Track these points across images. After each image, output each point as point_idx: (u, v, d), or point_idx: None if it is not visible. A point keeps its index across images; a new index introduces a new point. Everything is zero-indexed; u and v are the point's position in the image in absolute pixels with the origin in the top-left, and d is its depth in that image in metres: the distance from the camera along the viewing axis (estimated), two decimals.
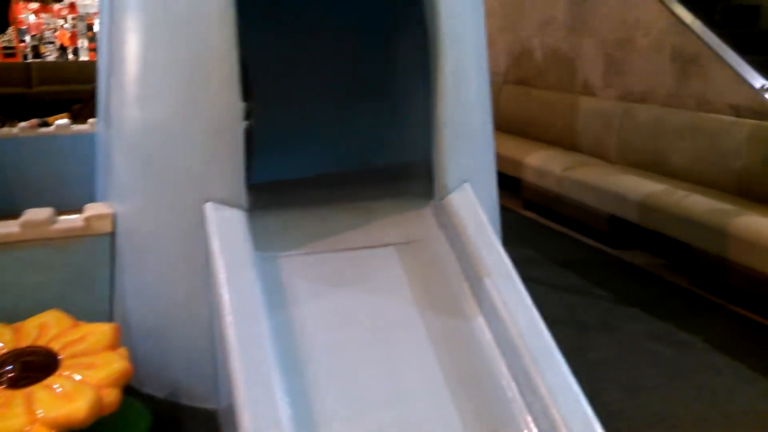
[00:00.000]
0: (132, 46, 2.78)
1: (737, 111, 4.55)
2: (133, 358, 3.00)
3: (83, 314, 2.89)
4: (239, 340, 2.22)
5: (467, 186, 2.96)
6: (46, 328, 2.67)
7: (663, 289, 4.13)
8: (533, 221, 5.66)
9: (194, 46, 2.60)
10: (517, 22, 7.18)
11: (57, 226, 2.98)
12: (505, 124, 7.17)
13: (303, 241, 2.83)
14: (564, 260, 4.65)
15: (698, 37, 4.86)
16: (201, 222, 2.65)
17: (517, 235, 5.29)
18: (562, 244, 5.03)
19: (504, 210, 6.00)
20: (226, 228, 2.59)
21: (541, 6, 6.71)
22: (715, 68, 4.73)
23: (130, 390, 2.95)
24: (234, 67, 2.59)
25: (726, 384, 3.02)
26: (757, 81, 4.47)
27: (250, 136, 3.71)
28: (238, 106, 2.61)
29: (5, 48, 15.09)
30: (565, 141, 6.10)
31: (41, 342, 2.62)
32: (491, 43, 7.84)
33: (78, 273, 3.05)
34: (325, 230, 2.90)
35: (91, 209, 3.04)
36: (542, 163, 5.66)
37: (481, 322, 2.57)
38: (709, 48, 4.78)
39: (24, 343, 2.62)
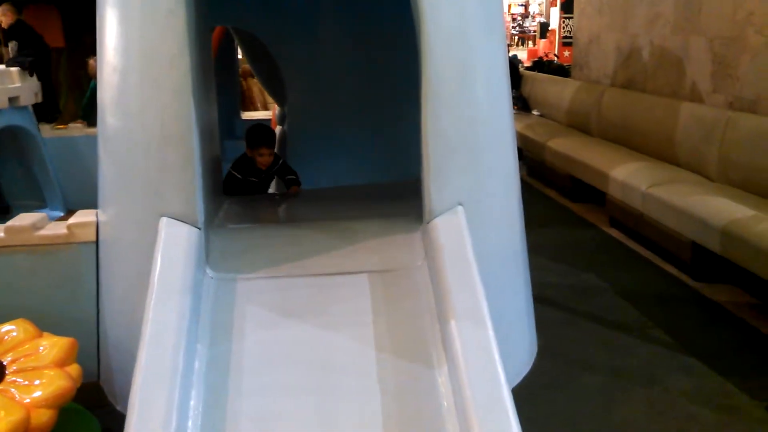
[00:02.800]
0: (108, 46, 2.66)
1: None
2: (110, 373, 2.92)
3: (68, 323, 2.84)
4: (144, 375, 2.03)
5: (459, 209, 2.57)
6: (6, 338, 2.62)
7: (739, 336, 3.50)
8: (614, 241, 5.07)
9: (147, 47, 2.43)
10: (626, 20, 6.51)
11: (41, 232, 2.94)
12: (605, 131, 6.55)
13: (267, 263, 2.58)
14: (632, 291, 4.08)
15: None
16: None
17: (589, 256, 4.77)
18: (636, 272, 4.44)
19: (587, 227, 5.50)
20: (172, 246, 2.40)
21: (648, 2, 6.02)
22: None
23: (103, 405, 2.88)
24: (186, 73, 2.39)
25: None
26: None
27: (284, 141, 3.54)
28: (189, 114, 2.41)
29: None
30: (663, 152, 5.42)
31: None
32: (599, 43, 7.22)
33: (63, 281, 3.00)
34: (297, 252, 2.64)
35: (78, 217, 2.97)
36: (628, 176, 5.05)
37: (444, 372, 2.21)
38: None
39: None
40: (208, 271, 2.50)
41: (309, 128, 3.39)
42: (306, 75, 3.96)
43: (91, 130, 5.77)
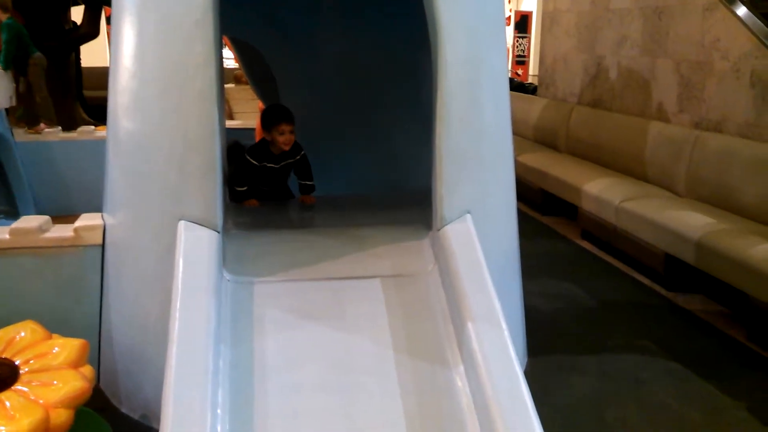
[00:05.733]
0: (125, 53, 2.70)
1: None
2: (114, 374, 2.94)
3: (72, 325, 2.84)
4: (177, 374, 2.06)
5: (468, 217, 2.69)
6: (17, 340, 2.61)
7: (714, 342, 3.69)
8: (587, 253, 5.26)
9: (172, 55, 2.49)
10: (594, 41, 6.78)
11: (47, 235, 2.94)
12: (573, 148, 6.79)
13: (282, 267, 2.65)
14: (609, 300, 4.26)
15: None
16: (175, 241, 2.52)
17: (566, 267, 4.94)
18: (612, 282, 4.62)
19: (559, 239, 5.69)
20: (194, 249, 2.45)
21: (617, 24, 6.29)
22: None
23: (108, 407, 2.89)
24: (212, 80, 2.44)
25: None
26: None
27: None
28: (214, 121, 2.46)
29: None
30: (633, 169, 5.65)
31: (8, 354, 2.55)
32: (566, 63, 7.48)
33: (68, 283, 3.01)
34: (310, 257, 2.71)
35: (84, 220, 2.98)
36: (601, 191, 5.25)
37: (461, 371, 2.31)
38: None
39: None
40: (225, 274, 2.55)
41: (302, 137, 3.44)
42: (301, 84, 4.04)
43: (66, 135, 5.71)
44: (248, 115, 8.76)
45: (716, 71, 4.95)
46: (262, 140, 3.37)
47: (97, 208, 3.06)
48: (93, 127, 5.80)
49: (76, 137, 5.36)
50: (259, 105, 5.75)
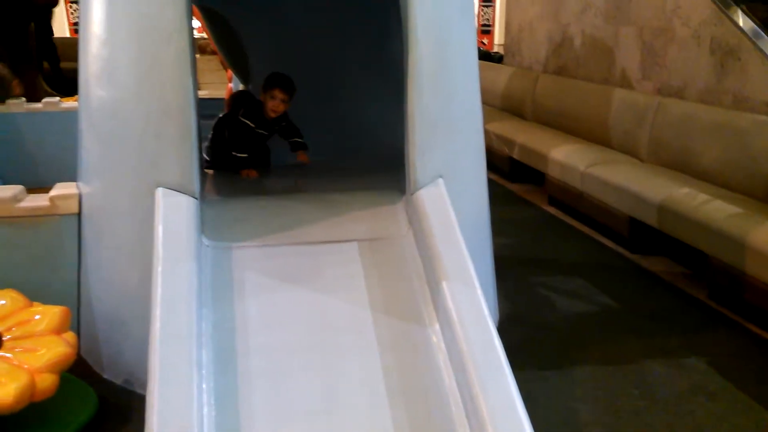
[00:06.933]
0: (95, 20, 2.70)
1: None
2: (95, 341, 2.97)
3: (49, 294, 2.85)
4: (161, 336, 2.11)
5: (440, 182, 2.77)
6: None
7: (676, 301, 3.84)
8: (554, 218, 5.39)
9: (146, 20, 2.50)
10: (558, 9, 6.86)
11: (23, 204, 2.94)
12: (539, 115, 6.90)
13: (260, 233, 2.70)
14: (575, 262, 4.40)
15: (739, 28, 4.49)
16: (153, 207, 2.56)
17: (533, 231, 5.08)
18: (578, 245, 4.76)
19: (526, 205, 5.82)
20: (173, 216, 2.49)
21: None
22: (755, 63, 4.36)
23: (90, 374, 2.93)
24: (186, 46, 2.47)
25: (715, 413, 2.75)
26: None
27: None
28: (189, 87, 2.49)
29: (75, 23, 15.43)
30: (597, 135, 5.78)
31: None
32: (531, 31, 7.56)
33: (45, 253, 3.02)
34: (286, 222, 2.77)
35: (59, 189, 2.99)
36: (567, 157, 5.38)
37: (436, 329, 2.40)
38: (751, 41, 4.41)
39: None
40: (204, 240, 2.59)
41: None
42: (270, 52, 4.04)
43: (31, 106, 5.62)
44: (215, 86, 8.67)
45: (677, 38, 5.07)
46: (258, 103, 3.36)
47: (63, 180, 3.06)
48: (58, 98, 5.71)
49: (41, 108, 5.28)
50: (228, 75, 5.73)
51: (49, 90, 8.55)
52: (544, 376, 2.98)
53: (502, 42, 9.57)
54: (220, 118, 3.67)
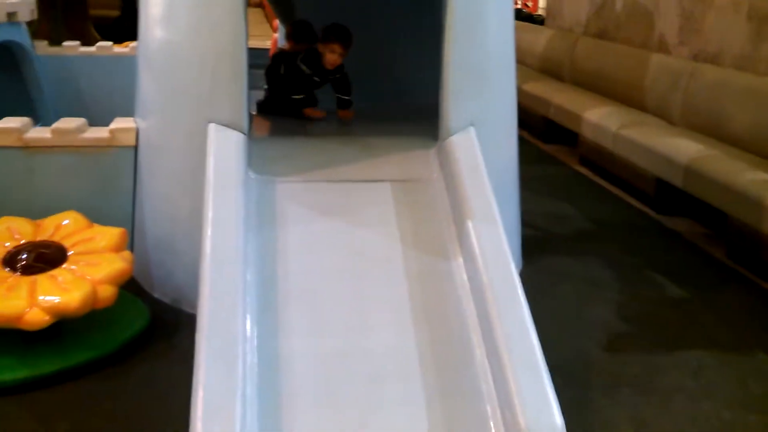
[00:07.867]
0: None
1: None
2: (146, 263, 3.24)
3: (107, 218, 3.10)
4: (212, 253, 2.34)
5: (471, 129, 2.94)
6: (62, 226, 2.92)
7: (695, 258, 3.99)
8: (585, 178, 5.53)
9: None
10: None
11: (85, 135, 3.20)
12: (577, 77, 6.96)
13: (301, 169, 2.91)
14: (600, 219, 4.55)
15: None
16: (205, 141, 2.78)
17: (563, 189, 5.22)
18: (604, 204, 4.91)
19: (559, 164, 5.96)
20: (223, 149, 2.71)
21: None
22: None
23: (140, 293, 3.21)
24: None
25: (722, 360, 2.92)
26: None
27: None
28: (242, 31, 2.69)
29: None
30: (632, 98, 5.86)
31: (56, 238, 2.87)
32: None
33: (103, 181, 3.28)
34: (326, 161, 2.97)
35: (118, 123, 3.24)
36: (600, 119, 5.48)
37: (460, 263, 2.60)
38: None
39: (41, 237, 2.87)
40: (251, 173, 2.82)
41: None
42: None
43: (86, 49, 5.88)
44: (258, 38, 8.86)
45: (716, 4, 5.10)
46: (315, 51, 3.44)
47: (113, 119, 3.31)
48: (110, 43, 5.96)
49: (95, 52, 5.53)
50: (274, 25, 5.90)
51: (98, 37, 8.83)
52: (559, 319, 3.17)
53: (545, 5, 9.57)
54: (270, 65, 3.76)
